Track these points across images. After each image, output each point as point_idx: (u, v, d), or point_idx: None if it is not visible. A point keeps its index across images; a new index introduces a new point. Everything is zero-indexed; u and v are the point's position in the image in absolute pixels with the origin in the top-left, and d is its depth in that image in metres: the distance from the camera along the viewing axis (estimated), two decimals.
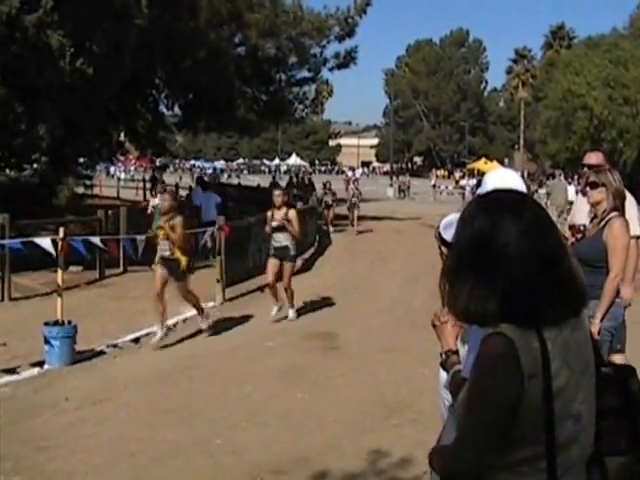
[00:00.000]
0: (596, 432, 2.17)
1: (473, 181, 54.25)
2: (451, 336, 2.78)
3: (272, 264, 11.63)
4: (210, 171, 71.94)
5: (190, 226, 12.08)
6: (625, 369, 2.55)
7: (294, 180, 44.21)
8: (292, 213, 11.65)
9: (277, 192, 11.87)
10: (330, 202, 27.83)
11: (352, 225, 27.48)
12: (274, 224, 11.50)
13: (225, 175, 71.84)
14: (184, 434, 6.52)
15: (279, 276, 11.65)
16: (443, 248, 3.70)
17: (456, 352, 2.72)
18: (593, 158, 6.51)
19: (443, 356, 2.72)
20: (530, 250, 2.01)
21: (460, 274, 2.09)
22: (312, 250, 21.30)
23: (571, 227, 5.89)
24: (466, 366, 2.81)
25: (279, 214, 11.52)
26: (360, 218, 27.91)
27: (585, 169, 6.45)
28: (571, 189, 32.87)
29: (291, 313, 11.79)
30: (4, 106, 16.76)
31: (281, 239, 11.56)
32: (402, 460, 5.77)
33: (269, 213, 11.71)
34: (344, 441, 6.31)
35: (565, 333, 2.04)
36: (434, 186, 57.56)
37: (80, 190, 25.56)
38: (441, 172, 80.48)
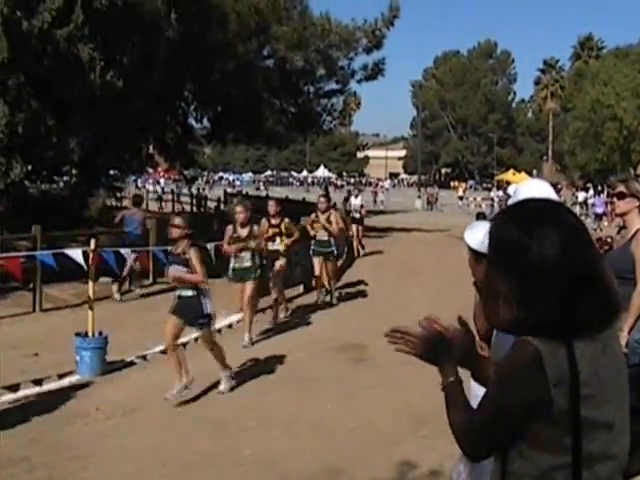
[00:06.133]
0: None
1: (500, 192, 54.09)
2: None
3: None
4: (238, 183, 72.08)
5: None
6: None
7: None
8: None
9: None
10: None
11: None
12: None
13: (253, 187, 71.90)
14: (214, 444, 6.55)
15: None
16: (470, 255, 3.71)
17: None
18: None
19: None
20: (567, 261, 1.95)
21: (493, 284, 2.06)
22: (341, 261, 21.27)
23: (598, 239, 5.85)
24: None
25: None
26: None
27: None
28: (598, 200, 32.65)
29: None
30: (36, 119, 16.96)
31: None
32: (431, 472, 5.75)
33: None
34: (373, 452, 6.31)
35: (596, 342, 2.00)
36: (461, 198, 57.35)
37: (111, 202, 25.78)
38: (456, 184, 74.60)
